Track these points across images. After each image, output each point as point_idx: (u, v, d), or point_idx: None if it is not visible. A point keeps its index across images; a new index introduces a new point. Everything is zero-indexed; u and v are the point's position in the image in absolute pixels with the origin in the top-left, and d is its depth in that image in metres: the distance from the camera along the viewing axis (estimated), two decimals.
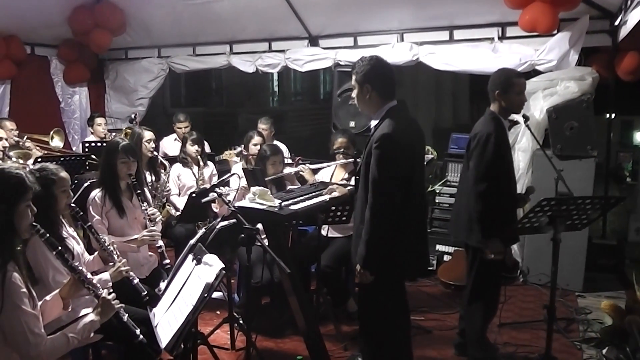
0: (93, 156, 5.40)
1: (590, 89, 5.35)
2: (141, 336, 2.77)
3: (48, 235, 2.59)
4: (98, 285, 2.66)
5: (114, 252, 3.19)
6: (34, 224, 2.45)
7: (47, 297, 2.64)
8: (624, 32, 5.22)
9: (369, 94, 3.16)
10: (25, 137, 5.91)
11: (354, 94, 3.26)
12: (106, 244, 3.19)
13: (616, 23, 5.54)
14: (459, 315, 4.07)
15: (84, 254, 3.25)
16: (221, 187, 3.84)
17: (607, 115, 6.21)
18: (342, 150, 4.80)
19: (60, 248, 2.61)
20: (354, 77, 3.22)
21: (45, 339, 2.33)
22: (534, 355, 3.92)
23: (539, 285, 5.39)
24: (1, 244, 2.25)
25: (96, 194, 3.78)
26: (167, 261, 3.76)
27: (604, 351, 3.64)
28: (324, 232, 4.59)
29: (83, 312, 2.79)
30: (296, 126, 14.04)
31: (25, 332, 2.24)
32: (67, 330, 2.45)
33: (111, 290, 3.15)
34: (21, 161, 5.01)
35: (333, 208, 4.30)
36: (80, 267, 2.66)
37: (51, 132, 6.49)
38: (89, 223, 3.31)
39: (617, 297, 4.95)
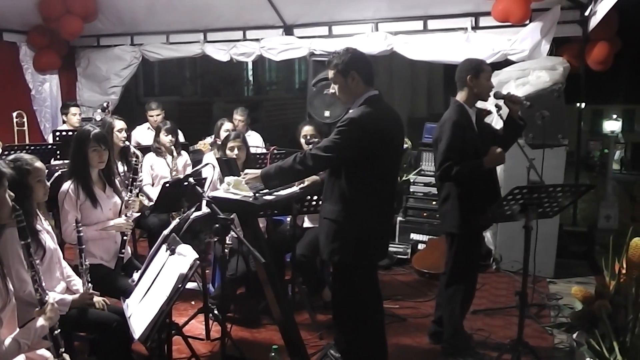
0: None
1: (562, 79, 5.42)
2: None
3: (25, 223, 2.44)
4: (46, 290, 2.48)
5: (86, 277, 3.14)
6: (16, 207, 2.36)
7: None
8: (594, 22, 5.30)
9: (354, 80, 3.18)
10: None
11: (334, 87, 3.27)
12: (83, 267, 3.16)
13: (586, 13, 5.62)
14: (435, 303, 4.10)
15: (57, 249, 3.16)
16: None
17: (578, 105, 6.31)
18: (308, 138, 4.81)
19: (29, 240, 2.50)
20: (333, 71, 3.22)
21: (2, 346, 2.24)
22: (507, 341, 3.98)
23: (512, 272, 5.47)
24: None
25: (69, 186, 3.63)
26: (124, 250, 3.76)
27: (575, 335, 3.69)
28: (299, 222, 4.60)
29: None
30: (271, 116, 13.99)
31: None
32: (18, 335, 2.33)
33: (89, 279, 3.13)
34: None
35: (308, 198, 4.30)
36: (39, 266, 2.50)
37: None
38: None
39: (587, 282, 5.05)
